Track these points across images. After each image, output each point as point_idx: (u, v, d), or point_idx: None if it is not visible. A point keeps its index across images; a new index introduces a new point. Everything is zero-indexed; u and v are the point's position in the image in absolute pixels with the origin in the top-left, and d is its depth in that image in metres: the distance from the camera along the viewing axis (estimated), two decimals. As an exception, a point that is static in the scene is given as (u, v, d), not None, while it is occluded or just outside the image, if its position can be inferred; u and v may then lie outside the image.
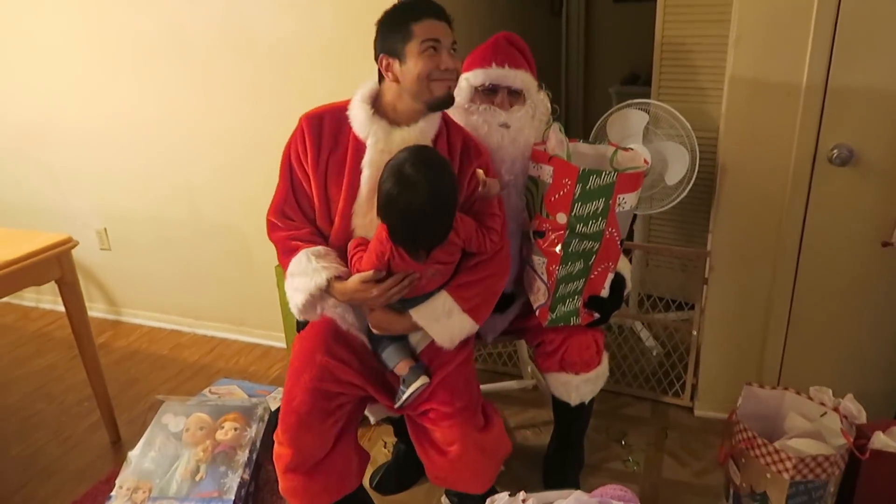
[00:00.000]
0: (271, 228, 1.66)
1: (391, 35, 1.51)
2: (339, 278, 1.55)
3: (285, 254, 1.62)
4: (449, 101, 1.55)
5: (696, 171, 2.36)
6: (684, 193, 2.42)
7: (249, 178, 2.71)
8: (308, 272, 1.55)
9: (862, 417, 1.63)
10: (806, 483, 1.51)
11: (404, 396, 1.60)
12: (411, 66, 1.49)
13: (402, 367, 1.62)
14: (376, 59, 1.56)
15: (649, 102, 2.47)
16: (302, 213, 1.63)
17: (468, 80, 1.78)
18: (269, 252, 2.70)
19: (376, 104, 1.58)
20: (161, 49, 2.66)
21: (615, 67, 4.74)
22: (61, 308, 3.29)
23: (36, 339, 3.08)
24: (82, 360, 2.22)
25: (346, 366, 1.62)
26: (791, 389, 1.71)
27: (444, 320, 1.60)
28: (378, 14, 1.56)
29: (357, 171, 1.55)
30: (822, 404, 1.67)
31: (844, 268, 2.01)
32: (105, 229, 3.09)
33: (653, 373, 2.51)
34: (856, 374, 2.07)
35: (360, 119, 1.56)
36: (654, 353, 2.70)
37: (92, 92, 2.85)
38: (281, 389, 2.42)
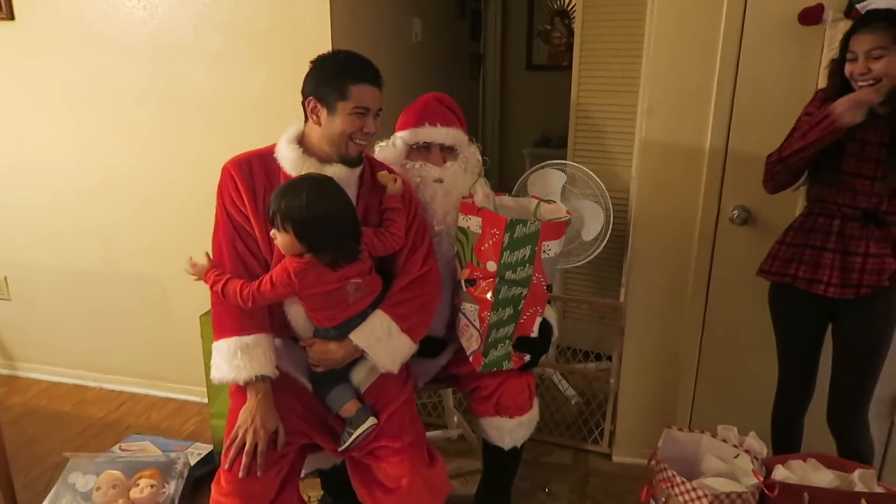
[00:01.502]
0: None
1: (326, 84, 1.58)
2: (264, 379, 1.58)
3: (218, 315, 1.63)
4: (359, 161, 1.65)
5: (611, 228, 2.53)
6: (600, 248, 2.57)
7: (171, 228, 2.65)
8: (233, 366, 1.57)
9: (764, 452, 1.76)
10: (721, 519, 1.61)
11: (351, 438, 1.60)
12: (337, 122, 1.58)
13: (348, 409, 1.63)
14: (304, 96, 1.62)
15: (567, 163, 2.63)
16: (246, 260, 1.63)
17: (403, 138, 1.86)
18: (188, 301, 2.67)
19: (303, 144, 1.63)
20: (84, 96, 2.60)
21: (528, 130, 5.01)
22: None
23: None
24: (-22, 416, 2.06)
25: (290, 412, 1.61)
26: (707, 433, 1.82)
27: (384, 341, 1.63)
28: (303, 76, 1.62)
29: None
30: (726, 441, 1.80)
31: (746, 317, 2.18)
32: (5, 278, 2.90)
33: (573, 421, 2.59)
34: (759, 413, 2.22)
35: (290, 159, 1.60)
36: (573, 402, 2.79)
37: (2, 135, 2.73)
38: (199, 444, 2.35)
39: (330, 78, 1.58)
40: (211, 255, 1.65)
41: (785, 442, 1.95)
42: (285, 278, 1.52)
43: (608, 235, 2.55)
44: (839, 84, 1.68)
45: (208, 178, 2.52)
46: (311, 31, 2.31)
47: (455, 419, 2.41)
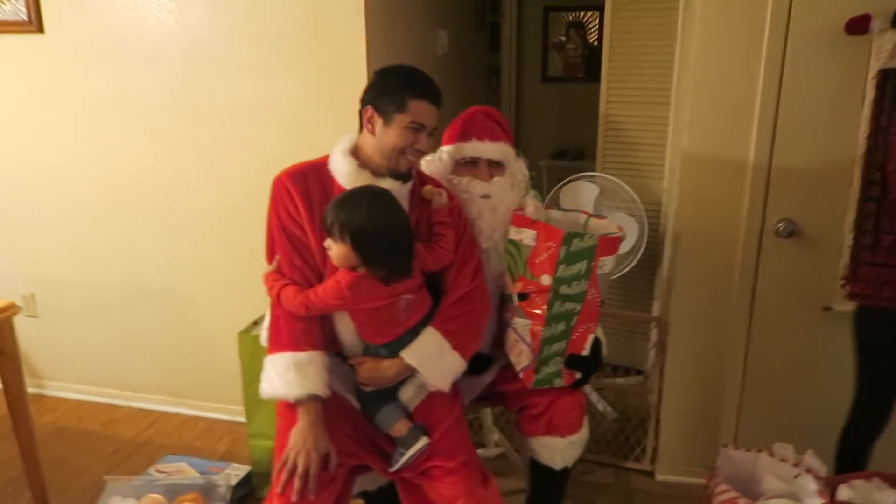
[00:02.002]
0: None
1: (386, 95, 1.57)
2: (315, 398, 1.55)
3: (276, 327, 1.60)
4: (409, 177, 1.64)
5: (646, 241, 2.50)
6: (634, 262, 2.55)
7: (198, 242, 2.63)
8: (285, 382, 1.54)
9: (823, 472, 1.72)
10: (785, 540, 1.57)
11: (403, 459, 1.56)
12: (392, 135, 1.56)
13: (399, 429, 1.60)
14: (362, 104, 1.61)
15: (599, 175, 2.61)
16: (304, 272, 1.60)
17: (449, 153, 1.84)
18: (219, 319, 2.64)
19: (357, 155, 1.62)
20: (111, 109, 2.58)
21: (545, 142, 5.01)
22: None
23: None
24: (17, 439, 2.03)
25: (339, 432, 1.58)
26: (765, 451, 1.78)
27: (436, 359, 1.60)
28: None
29: None
30: (785, 461, 1.76)
31: (792, 332, 2.15)
32: (33, 294, 2.88)
33: (614, 437, 2.55)
34: (810, 430, 2.17)
35: (346, 171, 1.59)
36: (609, 419, 2.75)
37: (30, 148, 2.71)
38: (236, 465, 2.32)
39: (391, 89, 1.57)
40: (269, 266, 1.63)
41: (852, 464, 1.89)
42: (338, 291, 1.50)
43: (643, 247, 2.53)
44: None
45: (235, 190, 2.55)
46: (344, 42, 2.29)
47: (495, 437, 2.37)
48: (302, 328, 1.56)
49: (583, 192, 2.61)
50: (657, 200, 2.81)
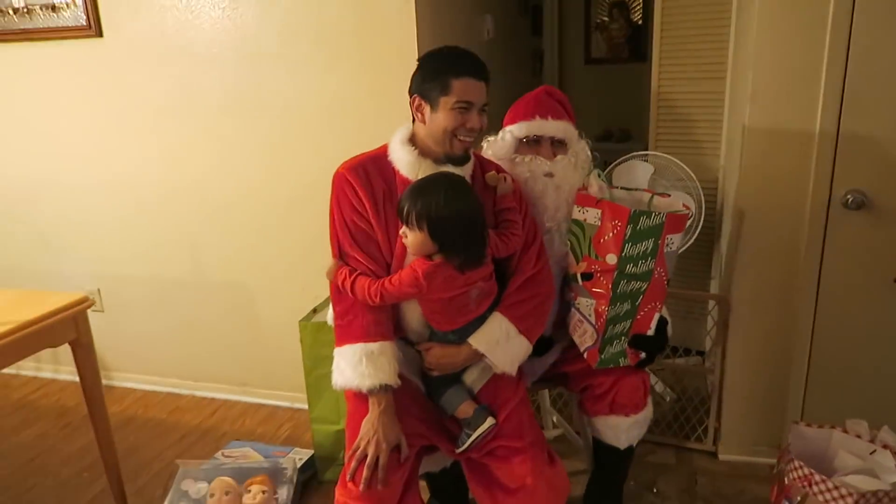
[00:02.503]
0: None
1: (429, 81, 1.56)
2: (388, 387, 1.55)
3: (343, 320, 1.61)
4: (465, 159, 1.61)
5: (703, 218, 2.45)
6: (692, 239, 2.50)
7: (257, 235, 2.68)
8: (358, 373, 1.54)
9: (901, 448, 1.67)
10: (864, 518, 1.53)
11: (471, 439, 1.57)
12: (440, 118, 1.55)
13: (464, 410, 1.60)
14: (410, 94, 1.60)
15: (652, 154, 2.57)
16: (370, 265, 1.60)
17: (512, 132, 1.83)
18: (277, 309, 2.70)
19: (415, 144, 1.61)
20: (170, 109, 2.64)
21: (589, 125, 4.91)
22: (44, 375, 3.17)
23: (20, 409, 2.90)
24: (93, 426, 2.09)
25: (407, 414, 1.60)
26: (838, 428, 1.74)
27: (503, 344, 1.61)
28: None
29: None
30: (859, 437, 1.71)
31: (861, 306, 2.08)
32: (98, 290, 2.97)
33: (674, 418, 2.51)
34: (880, 407, 2.11)
35: (406, 160, 1.59)
36: (668, 399, 2.72)
37: (94, 151, 2.79)
38: (298, 449, 2.36)
39: (433, 73, 1.56)
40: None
41: None
42: (414, 279, 1.51)
43: (700, 225, 2.48)
44: None
45: (291, 184, 2.58)
46: (395, 31, 2.30)
47: (553, 419, 2.37)
48: (372, 319, 1.57)
49: (637, 172, 2.55)
50: (713, 177, 2.75)
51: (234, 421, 2.74)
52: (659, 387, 2.81)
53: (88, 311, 2.91)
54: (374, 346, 1.55)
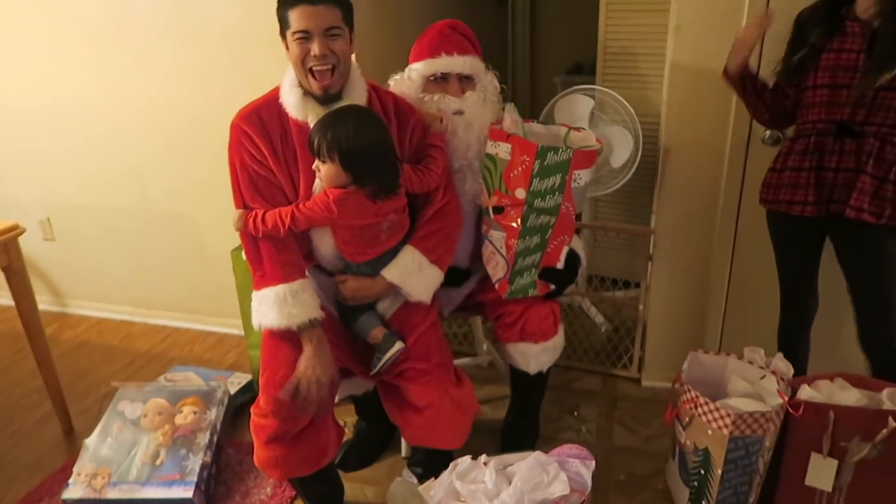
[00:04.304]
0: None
1: (280, 18, 1.56)
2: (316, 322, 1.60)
3: (259, 266, 1.64)
4: (326, 98, 1.58)
5: (640, 154, 2.47)
6: (629, 175, 2.53)
7: (199, 163, 2.69)
8: (285, 314, 1.58)
9: (790, 374, 1.75)
10: (744, 438, 1.63)
11: (381, 363, 1.65)
12: (291, 53, 1.55)
13: (376, 335, 1.68)
14: None
15: (595, 88, 2.56)
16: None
17: (418, 70, 1.82)
18: (222, 238, 2.74)
19: (303, 86, 1.60)
20: (109, 34, 2.61)
21: (560, 58, 4.86)
22: (1, 301, 3.22)
23: (-25, 335, 2.99)
24: (32, 350, 2.18)
25: None
26: (733, 355, 1.82)
27: (416, 274, 1.67)
28: None
29: (309, 154, 1.58)
30: (752, 363, 1.79)
31: (777, 240, 2.14)
32: (48, 219, 3.01)
33: (602, 348, 2.61)
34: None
35: (293, 103, 1.59)
36: (603, 330, 2.81)
37: (34, 76, 2.77)
38: (239, 374, 2.45)
39: (278, 11, 1.55)
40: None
41: (791, 361, 1.91)
42: (325, 204, 1.54)
43: (637, 162, 2.50)
44: None
45: (231, 113, 2.52)
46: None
47: (484, 347, 2.45)
48: (285, 260, 1.61)
49: (577, 106, 2.56)
50: (657, 112, 2.76)
51: (183, 347, 2.83)
52: (598, 318, 2.90)
53: (40, 240, 2.97)
54: (294, 285, 1.59)
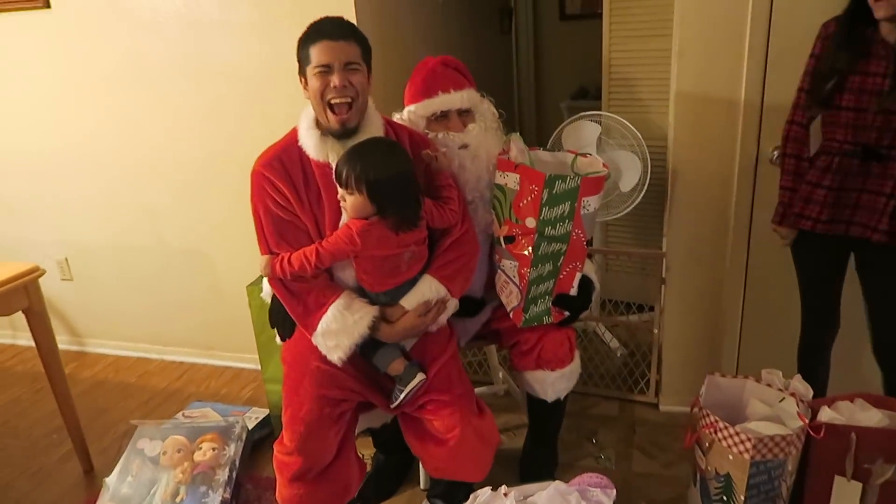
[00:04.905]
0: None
1: (299, 58, 1.62)
2: (380, 320, 1.64)
3: (299, 304, 1.66)
4: (344, 133, 1.62)
5: (649, 177, 2.49)
6: (638, 199, 2.55)
7: (213, 201, 2.73)
8: (347, 327, 1.61)
9: (810, 395, 1.74)
10: (766, 462, 1.61)
11: (402, 395, 1.65)
12: (311, 88, 1.60)
13: (396, 367, 1.68)
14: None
15: (601, 114, 2.59)
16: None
17: (417, 112, 1.84)
18: (236, 274, 2.76)
19: (320, 125, 1.65)
20: (120, 77, 2.67)
21: (565, 83, 4.90)
22: (20, 342, 3.27)
23: (-5, 376, 3.02)
24: (52, 390, 2.20)
25: (342, 372, 1.67)
26: (751, 378, 1.81)
27: None
28: None
29: (333, 193, 1.61)
30: (770, 385, 1.78)
31: (790, 260, 2.12)
32: (66, 259, 3.05)
33: (618, 373, 2.60)
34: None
35: (312, 145, 1.64)
36: (619, 354, 2.80)
37: (50, 120, 2.83)
38: (256, 409, 2.46)
39: (299, 49, 1.61)
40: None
41: (811, 380, 1.90)
42: (349, 237, 1.57)
43: (647, 185, 2.51)
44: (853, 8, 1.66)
45: (244, 151, 2.58)
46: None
47: (500, 375, 2.45)
48: (320, 286, 1.64)
49: (584, 132, 2.59)
50: (663, 136, 2.77)
51: (200, 383, 2.84)
52: (613, 343, 2.89)
53: (58, 280, 3.01)
54: (340, 300, 1.62)
